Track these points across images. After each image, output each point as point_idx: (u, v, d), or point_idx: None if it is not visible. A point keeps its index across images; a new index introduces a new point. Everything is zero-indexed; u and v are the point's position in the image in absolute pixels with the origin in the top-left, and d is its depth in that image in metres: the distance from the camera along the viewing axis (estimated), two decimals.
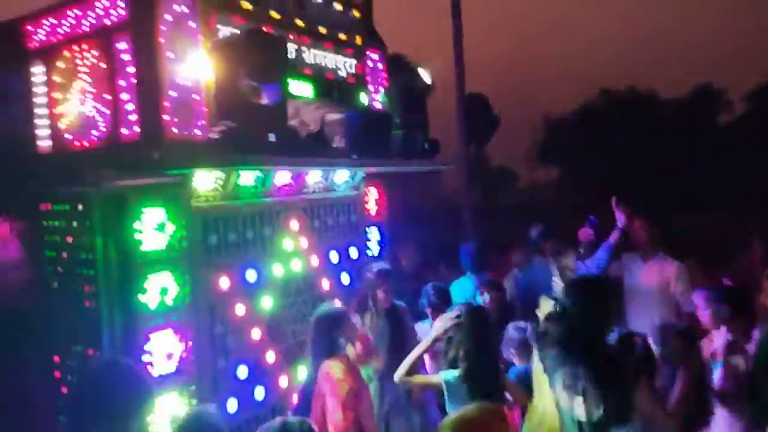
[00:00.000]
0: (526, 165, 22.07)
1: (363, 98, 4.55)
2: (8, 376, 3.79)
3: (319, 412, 3.38)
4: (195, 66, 3.15)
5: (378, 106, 4.62)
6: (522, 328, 3.93)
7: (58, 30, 3.45)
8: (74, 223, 3.34)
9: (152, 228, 3.26)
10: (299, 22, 4.04)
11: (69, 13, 3.38)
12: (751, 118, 21.19)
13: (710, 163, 17.66)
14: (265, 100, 3.23)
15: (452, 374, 3.35)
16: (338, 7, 4.39)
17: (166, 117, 3.06)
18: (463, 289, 5.12)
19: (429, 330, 4.58)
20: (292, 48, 3.95)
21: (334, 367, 3.41)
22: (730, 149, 18.50)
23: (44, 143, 3.61)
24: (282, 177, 4.12)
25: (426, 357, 4.09)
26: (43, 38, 3.53)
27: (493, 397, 3.17)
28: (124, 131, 3.20)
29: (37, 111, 3.58)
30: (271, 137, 3.22)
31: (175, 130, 3.10)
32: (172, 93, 3.08)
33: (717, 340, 3.66)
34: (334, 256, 4.64)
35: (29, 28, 3.57)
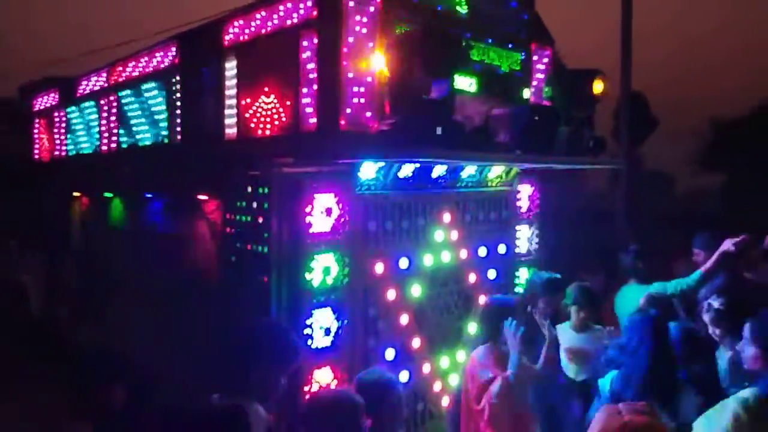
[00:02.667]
0: (687, 169, 20.27)
1: (526, 93, 4.50)
2: (189, 336, 4.30)
3: (464, 397, 3.52)
4: (371, 62, 3.33)
5: (542, 101, 4.54)
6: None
7: (250, 28, 3.83)
8: (253, 204, 3.69)
9: (321, 212, 3.52)
10: (464, 17, 4.09)
11: (260, 12, 3.73)
12: None
13: None
14: (433, 95, 3.33)
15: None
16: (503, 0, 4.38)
17: (341, 110, 3.28)
18: (632, 298, 4.84)
19: (569, 331, 4.47)
20: (463, 39, 4.01)
21: (480, 352, 3.54)
22: None
23: (231, 131, 4.02)
24: (438, 170, 4.21)
25: None
26: (236, 36, 3.93)
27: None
28: (303, 122, 3.47)
29: (228, 102, 4.00)
30: (438, 131, 3.31)
31: (348, 122, 3.31)
32: (349, 87, 3.29)
33: None
34: (482, 251, 4.66)
35: (225, 27, 4.00)
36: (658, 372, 3.18)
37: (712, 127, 19.44)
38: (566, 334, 4.41)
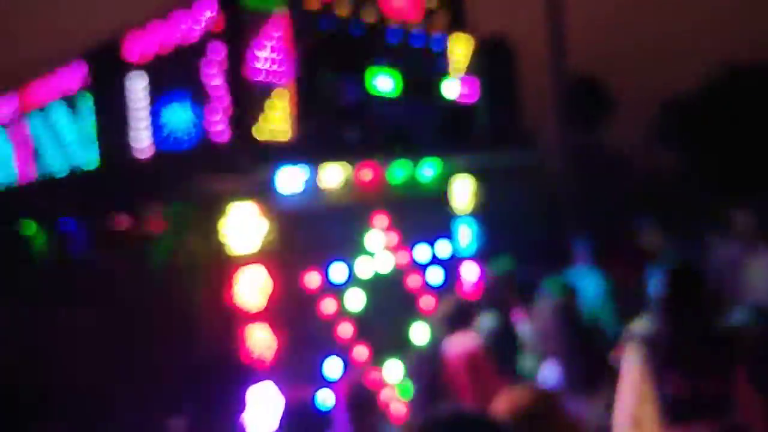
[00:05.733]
0: (642, 152, 20.94)
1: (447, 90, 4.66)
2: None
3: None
4: (281, 69, 3.43)
5: (463, 97, 4.69)
6: None
7: (155, 42, 3.87)
8: (171, 224, 3.74)
9: (243, 227, 3.58)
10: (383, 17, 4.21)
11: (164, 25, 3.78)
12: None
13: None
14: (347, 99, 3.44)
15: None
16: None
17: (254, 120, 3.37)
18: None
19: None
20: (374, 42, 4.13)
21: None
22: None
23: (142, 150, 4.06)
24: (366, 174, 4.31)
25: None
26: (141, 51, 3.97)
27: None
28: (216, 136, 3.54)
29: (137, 119, 4.03)
30: (354, 134, 3.42)
31: (263, 133, 3.39)
32: (261, 97, 3.38)
33: None
34: (423, 252, 4.77)
35: (128, 42, 4.03)
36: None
37: (663, 110, 20.19)
38: None
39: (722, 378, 2.97)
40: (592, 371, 3.44)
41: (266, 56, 3.39)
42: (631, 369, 3.03)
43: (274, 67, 3.41)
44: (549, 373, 3.52)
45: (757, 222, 4.88)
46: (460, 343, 3.74)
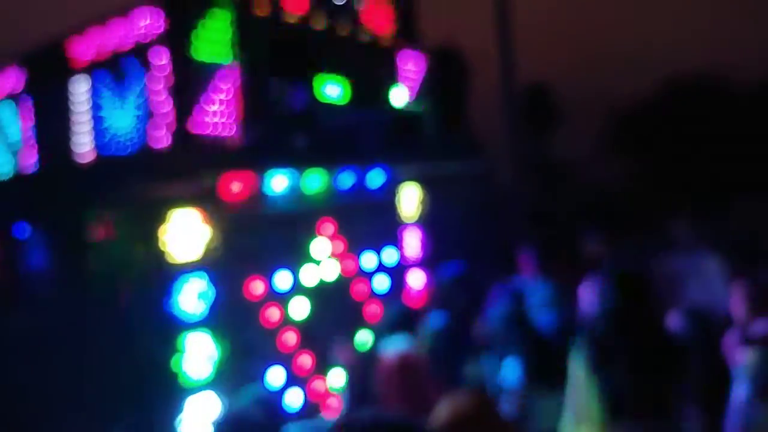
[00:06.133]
0: (591, 162, 21.57)
1: (396, 98, 4.76)
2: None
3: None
4: (227, 74, 3.45)
5: (412, 105, 4.80)
6: None
7: (98, 46, 3.84)
8: (112, 230, 3.70)
9: (187, 233, 3.57)
10: (329, 22, 4.28)
11: (108, 28, 3.75)
12: None
13: None
14: (295, 105, 3.49)
15: None
16: (373, 5, 4.61)
17: (198, 125, 3.38)
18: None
19: None
20: (322, 49, 4.20)
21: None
22: None
23: (85, 154, 4.00)
24: (314, 181, 4.37)
25: None
26: (84, 54, 3.92)
27: None
28: (159, 140, 3.53)
29: (79, 123, 3.98)
30: (302, 141, 3.47)
31: (207, 138, 3.41)
32: (205, 102, 3.39)
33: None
34: (369, 259, 4.85)
35: (71, 44, 3.98)
36: None
37: (612, 118, 20.89)
38: None
39: (664, 379, 3.17)
40: (551, 370, 3.61)
41: (214, 61, 3.41)
42: (578, 366, 3.20)
43: (223, 71, 3.44)
44: (508, 373, 3.67)
45: (696, 233, 5.13)
46: (395, 348, 3.81)
